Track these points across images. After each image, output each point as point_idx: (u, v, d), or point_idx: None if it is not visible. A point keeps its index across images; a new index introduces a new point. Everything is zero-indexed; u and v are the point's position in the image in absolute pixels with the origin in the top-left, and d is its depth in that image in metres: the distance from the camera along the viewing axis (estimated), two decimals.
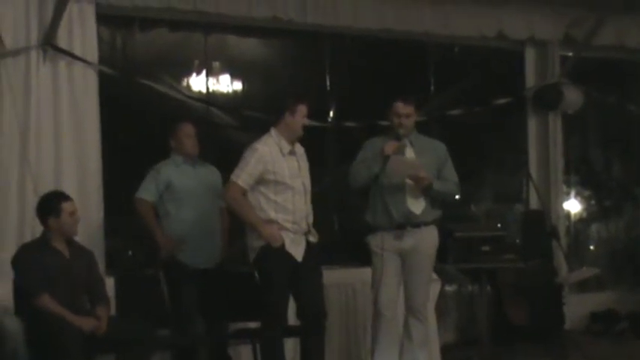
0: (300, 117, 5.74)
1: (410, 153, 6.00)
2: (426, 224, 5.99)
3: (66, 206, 5.49)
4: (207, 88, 7.78)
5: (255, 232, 5.64)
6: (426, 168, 5.95)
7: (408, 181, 5.92)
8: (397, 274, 5.97)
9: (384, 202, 5.95)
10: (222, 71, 7.86)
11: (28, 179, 6.46)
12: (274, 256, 5.60)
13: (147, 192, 6.23)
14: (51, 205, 5.52)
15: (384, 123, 6.82)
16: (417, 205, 5.95)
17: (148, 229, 6.22)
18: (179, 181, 6.25)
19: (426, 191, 5.94)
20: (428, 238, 6.02)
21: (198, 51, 7.74)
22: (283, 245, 5.62)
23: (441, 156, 6.12)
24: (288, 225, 5.66)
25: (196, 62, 7.73)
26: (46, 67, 6.63)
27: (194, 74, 7.73)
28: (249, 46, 8.09)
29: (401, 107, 5.96)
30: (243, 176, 5.63)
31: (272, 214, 5.64)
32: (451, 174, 6.12)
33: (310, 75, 8.28)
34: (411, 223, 5.94)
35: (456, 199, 6.24)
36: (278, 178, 5.65)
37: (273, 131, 5.77)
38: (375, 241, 6.00)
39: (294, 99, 5.80)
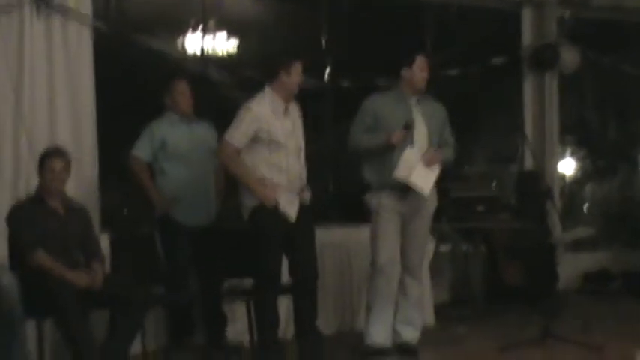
0: (295, 75, 5.71)
1: (417, 115, 5.95)
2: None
3: (48, 162, 5.47)
4: (203, 47, 7.74)
5: (249, 192, 5.65)
6: (432, 130, 5.95)
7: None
8: (397, 233, 5.98)
9: (389, 165, 5.88)
10: (218, 29, 7.81)
11: (23, 136, 6.42)
12: (268, 215, 5.61)
13: (141, 150, 6.22)
14: (40, 160, 5.53)
15: (381, 82, 6.82)
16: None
17: (143, 187, 6.22)
18: (174, 140, 6.24)
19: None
20: (430, 202, 6.04)
21: (195, 9, 7.69)
22: (277, 205, 5.62)
23: (443, 119, 6.12)
24: (282, 184, 5.66)
25: (192, 20, 7.68)
26: (39, 23, 6.55)
27: (190, 32, 7.69)
28: (246, 5, 8.04)
29: (425, 62, 5.93)
30: (236, 135, 5.62)
31: (266, 174, 5.64)
32: (450, 136, 6.13)
33: (306, 34, 8.24)
34: None
35: (451, 161, 6.22)
36: (272, 137, 5.63)
37: (267, 89, 5.74)
38: (375, 201, 5.98)
39: (288, 57, 5.76)
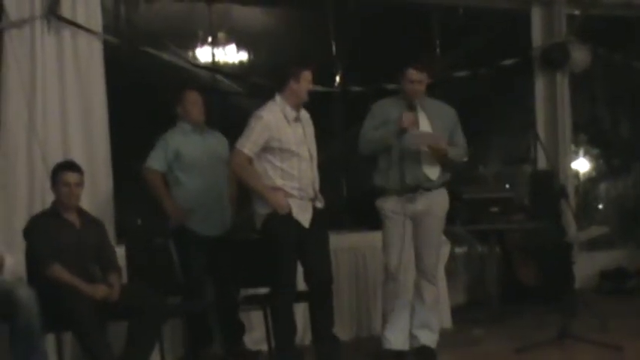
0: (304, 83, 5.73)
1: (422, 118, 5.95)
2: (437, 187, 5.99)
3: (62, 176, 5.51)
4: (213, 58, 7.77)
5: (262, 200, 5.66)
6: (438, 133, 5.94)
7: (424, 148, 5.90)
8: (408, 237, 5.97)
9: (397, 166, 5.90)
10: (227, 41, 7.84)
11: (36, 150, 6.47)
12: (281, 222, 5.62)
13: (156, 161, 6.24)
14: (53, 174, 5.58)
15: (391, 86, 6.82)
16: (432, 171, 5.94)
17: (158, 198, 6.24)
18: (187, 150, 6.25)
19: (441, 159, 5.93)
20: (439, 201, 6.02)
21: (203, 22, 7.72)
22: (290, 212, 5.63)
23: (453, 121, 6.10)
24: (295, 191, 5.67)
25: (201, 33, 7.71)
26: (50, 37, 6.61)
27: (199, 45, 7.72)
28: (254, 15, 8.07)
29: (414, 74, 5.90)
30: (248, 144, 5.64)
31: (278, 181, 5.65)
32: (461, 138, 6.11)
33: (316, 41, 8.26)
34: (423, 186, 5.93)
35: (463, 162, 6.22)
36: (283, 146, 5.65)
37: (277, 98, 5.76)
38: (386, 205, 5.99)
39: (298, 65, 5.78)
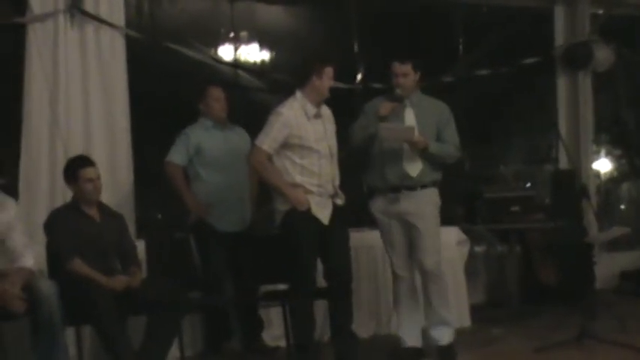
0: (327, 79, 5.73)
1: (410, 114, 5.93)
2: (423, 187, 5.90)
3: (83, 173, 5.52)
4: (236, 56, 7.78)
5: (281, 196, 5.67)
6: (424, 129, 5.87)
7: (405, 144, 5.87)
8: (402, 236, 5.95)
9: (380, 165, 5.92)
10: (250, 40, 7.85)
11: (59, 144, 6.52)
12: (300, 219, 5.62)
13: (177, 156, 6.25)
14: (69, 171, 5.59)
15: None
16: (413, 168, 5.87)
17: (178, 192, 6.25)
18: (209, 145, 6.27)
19: (422, 154, 5.87)
20: (425, 200, 5.91)
21: (225, 20, 7.74)
22: (309, 208, 5.64)
23: (443, 117, 6.01)
24: (314, 188, 5.67)
25: (223, 31, 7.73)
26: (73, 31, 6.66)
27: (222, 43, 7.74)
28: (276, 14, 8.08)
29: (397, 66, 5.88)
30: (267, 141, 5.64)
31: (298, 178, 5.65)
32: (452, 136, 5.99)
33: (337, 39, 8.26)
34: (405, 185, 5.88)
35: (453, 160, 6.11)
36: (303, 142, 5.65)
37: (298, 94, 5.76)
38: (374, 206, 6.01)
39: (320, 61, 5.78)
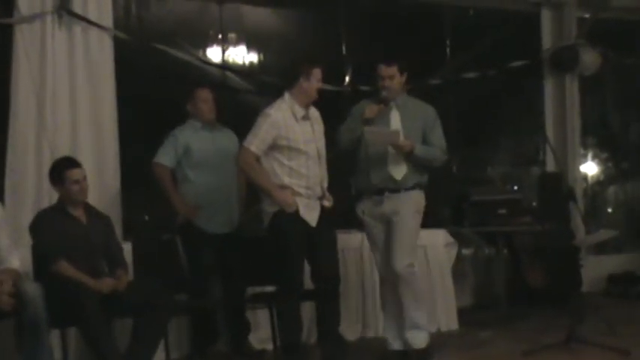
0: (314, 81, 5.73)
1: (395, 116, 5.93)
2: (407, 189, 5.89)
3: (70, 174, 5.50)
4: (223, 57, 7.77)
5: (270, 198, 5.66)
6: (409, 132, 5.86)
7: (384, 147, 5.86)
8: (385, 237, 5.94)
9: (365, 167, 5.92)
10: (238, 42, 7.85)
11: (45, 145, 6.49)
12: (288, 221, 5.61)
13: (165, 157, 6.23)
14: (55, 172, 5.57)
15: None
16: (398, 170, 5.86)
17: (166, 194, 6.23)
18: (197, 146, 6.25)
19: (408, 157, 5.85)
20: (408, 203, 5.88)
21: (214, 21, 7.73)
22: (297, 210, 5.63)
23: (429, 120, 5.99)
24: (302, 190, 5.67)
25: (212, 32, 7.72)
26: (61, 32, 6.63)
27: (210, 44, 7.73)
28: (264, 16, 8.08)
29: (383, 69, 5.88)
30: (255, 142, 5.63)
31: (286, 180, 5.65)
32: (437, 139, 5.97)
33: (326, 41, 8.26)
34: (389, 188, 5.87)
35: (440, 163, 6.10)
36: (291, 144, 5.64)
37: (286, 95, 5.76)
38: (360, 207, 6.01)
39: (308, 63, 5.78)
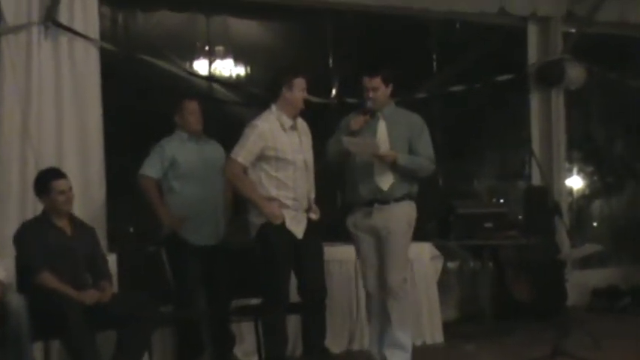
0: (297, 90, 5.72)
1: (382, 127, 5.92)
2: (396, 200, 5.86)
3: (56, 184, 5.48)
4: (211, 70, 7.77)
5: (257, 209, 5.64)
6: (396, 142, 5.86)
7: (366, 157, 5.86)
8: (374, 251, 5.91)
9: (353, 180, 5.92)
10: (225, 54, 7.84)
11: (30, 156, 6.46)
12: (275, 233, 5.60)
13: (151, 168, 6.21)
14: (41, 183, 5.54)
15: None
16: (384, 181, 5.83)
17: (152, 206, 6.20)
18: (183, 158, 6.23)
19: (392, 167, 5.83)
20: (399, 215, 5.87)
21: (201, 34, 7.73)
22: (284, 222, 5.61)
23: (415, 130, 5.96)
24: (289, 202, 5.65)
25: (199, 45, 7.72)
26: (47, 43, 6.62)
27: (197, 57, 7.72)
28: (251, 28, 8.09)
29: (367, 80, 5.88)
30: (242, 153, 5.63)
31: (273, 191, 5.64)
32: (424, 148, 5.94)
33: (313, 53, 8.27)
34: (378, 199, 5.85)
35: (428, 173, 6.10)
36: (279, 155, 5.64)
37: (273, 107, 5.76)
38: (350, 220, 5.98)
39: (289, 73, 5.78)
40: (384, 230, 5.84)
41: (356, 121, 5.86)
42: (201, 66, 7.74)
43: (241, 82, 7.89)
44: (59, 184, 5.49)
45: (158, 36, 7.50)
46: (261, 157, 5.63)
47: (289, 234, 5.63)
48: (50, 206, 5.51)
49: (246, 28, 8.06)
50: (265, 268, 5.64)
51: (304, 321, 5.87)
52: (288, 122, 5.71)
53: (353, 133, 5.82)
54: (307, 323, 5.84)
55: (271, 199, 5.62)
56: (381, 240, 5.88)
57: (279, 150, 5.63)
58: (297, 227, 5.68)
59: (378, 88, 5.88)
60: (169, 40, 7.54)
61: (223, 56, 7.85)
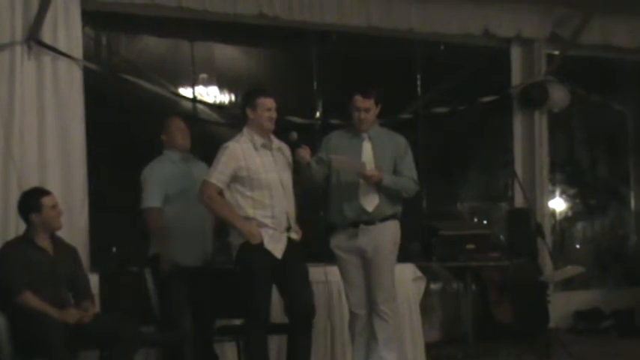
0: (262, 111, 5.71)
1: (367, 147, 5.94)
2: (382, 220, 5.88)
3: (46, 200, 5.49)
4: (195, 94, 7.77)
5: (235, 230, 5.64)
6: (381, 162, 5.87)
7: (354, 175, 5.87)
8: (360, 272, 5.92)
9: (337, 201, 5.92)
10: (209, 81, 7.85)
11: (12, 175, 6.44)
12: (254, 253, 5.59)
13: (154, 200, 6.07)
14: (31, 200, 5.53)
15: None
16: (369, 202, 5.85)
17: (158, 240, 6.10)
18: (174, 180, 6.17)
19: (377, 187, 5.84)
20: (384, 235, 5.88)
21: (185, 61, 7.73)
22: (262, 242, 5.61)
23: (400, 150, 5.99)
24: (268, 221, 5.64)
25: (183, 72, 7.72)
26: (30, 62, 6.60)
27: (182, 84, 7.72)
28: (235, 49, 8.11)
29: (360, 101, 5.89)
30: (215, 175, 5.63)
31: (250, 211, 5.63)
32: (408, 169, 5.97)
33: (297, 75, 8.29)
34: (363, 220, 5.86)
35: (412, 193, 6.11)
36: (252, 174, 5.63)
37: (245, 129, 5.77)
38: (333, 242, 5.97)
39: (253, 94, 5.80)
40: (370, 250, 5.84)
41: (300, 153, 5.76)
42: (185, 92, 7.74)
43: (225, 105, 7.90)
44: (49, 199, 5.51)
45: (143, 62, 7.49)
46: (235, 179, 5.63)
47: (268, 254, 5.62)
48: (40, 223, 5.48)
49: (230, 52, 8.08)
50: (245, 288, 5.62)
51: (290, 342, 5.84)
52: (259, 141, 5.71)
53: (305, 165, 5.76)
54: (293, 344, 5.80)
55: (249, 219, 5.61)
56: (366, 260, 5.88)
57: (252, 170, 5.63)
58: (276, 246, 5.65)
59: (370, 109, 5.91)
60: (154, 65, 7.53)
61: (207, 84, 7.86)
